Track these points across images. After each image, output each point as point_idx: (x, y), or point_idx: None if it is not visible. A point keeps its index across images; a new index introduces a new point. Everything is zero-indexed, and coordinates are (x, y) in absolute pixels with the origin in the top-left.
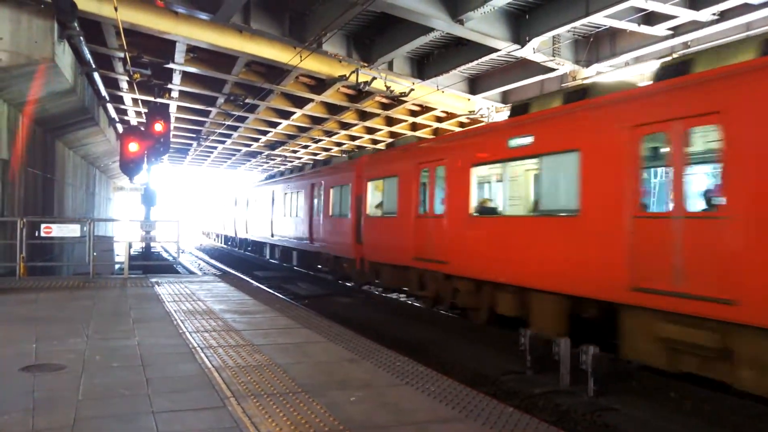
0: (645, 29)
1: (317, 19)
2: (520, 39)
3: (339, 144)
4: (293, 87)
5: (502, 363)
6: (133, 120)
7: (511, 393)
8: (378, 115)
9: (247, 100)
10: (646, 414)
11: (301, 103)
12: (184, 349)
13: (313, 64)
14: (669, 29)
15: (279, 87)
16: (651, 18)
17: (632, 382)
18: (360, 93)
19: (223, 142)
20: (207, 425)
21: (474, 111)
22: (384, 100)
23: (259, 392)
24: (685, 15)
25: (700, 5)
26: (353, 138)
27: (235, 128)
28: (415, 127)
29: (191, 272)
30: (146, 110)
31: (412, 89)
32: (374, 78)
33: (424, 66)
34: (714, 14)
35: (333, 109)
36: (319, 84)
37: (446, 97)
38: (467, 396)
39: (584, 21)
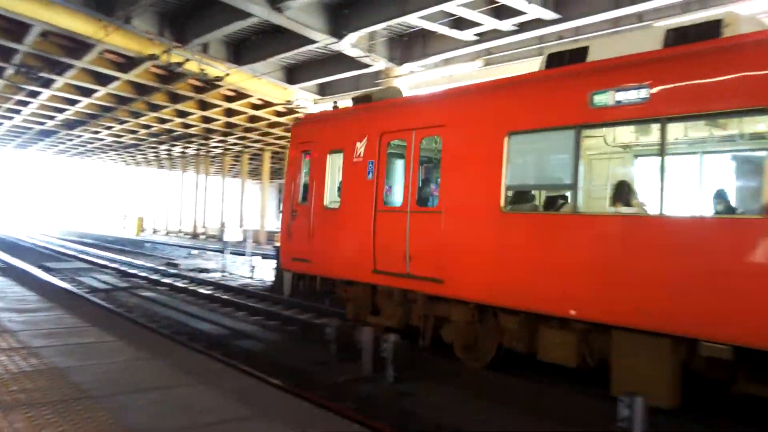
0: (455, 33)
1: None
2: (337, 32)
3: (147, 126)
4: (97, 63)
5: (309, 353)
6: None
7: (316, 383)
8: (191, 98)
9: (42, 74)
10: (440, 399)
11: (105, 80)
12: None
13: (120, 39)
14: (476, 35)
15: (80, 62)
16: (461, 23)
17: (430, 368)
18: (172, 74)
19: (10, 119)
20: None
21: (291, 101)
22: (197, 83)
23: (32, 402)
24: (489, 23)
25: (503, 15)
26: (163, 121)
27: (26, 104)
28: (230, 113)
29: None
30: None
31: (227, 74)
32: (188, 59)
33: (242, 51)
34: (514, 25)
35: (141, 89)
36: (128, 62)
37: (263, 85)
38: (264, 393)
39: (399, 20)
